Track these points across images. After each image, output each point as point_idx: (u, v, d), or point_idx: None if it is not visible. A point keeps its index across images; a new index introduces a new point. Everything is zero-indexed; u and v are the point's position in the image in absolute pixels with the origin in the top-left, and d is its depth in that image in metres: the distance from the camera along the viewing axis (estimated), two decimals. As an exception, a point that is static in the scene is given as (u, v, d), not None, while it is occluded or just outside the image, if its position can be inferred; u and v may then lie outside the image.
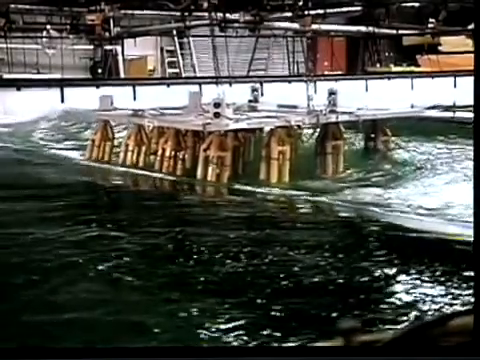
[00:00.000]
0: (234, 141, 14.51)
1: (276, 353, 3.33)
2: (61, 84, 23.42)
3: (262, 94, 22.12)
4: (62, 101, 22.72)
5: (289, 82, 24.31)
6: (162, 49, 31.50)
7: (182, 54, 31.42)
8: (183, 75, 30.32)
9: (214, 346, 5.93)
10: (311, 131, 15.53)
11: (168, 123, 15.09)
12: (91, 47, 28.37)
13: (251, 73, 31.85)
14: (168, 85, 25.08)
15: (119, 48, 27.99)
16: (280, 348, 5.42)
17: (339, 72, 33.39)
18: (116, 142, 16.62)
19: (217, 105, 13.96)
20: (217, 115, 13.89)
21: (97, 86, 23.27)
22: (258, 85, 18.47)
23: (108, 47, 27.46)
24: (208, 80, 21.62)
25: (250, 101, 17.35)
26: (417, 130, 17.57)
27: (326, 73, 32.11)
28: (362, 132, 16.24)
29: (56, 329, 6.62)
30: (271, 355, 3.23)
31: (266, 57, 33.48)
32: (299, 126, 14.93)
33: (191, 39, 30.38)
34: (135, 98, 23.33)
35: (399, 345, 2.84)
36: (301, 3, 24.21)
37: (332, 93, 15.34)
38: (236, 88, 19.68)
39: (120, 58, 27.85)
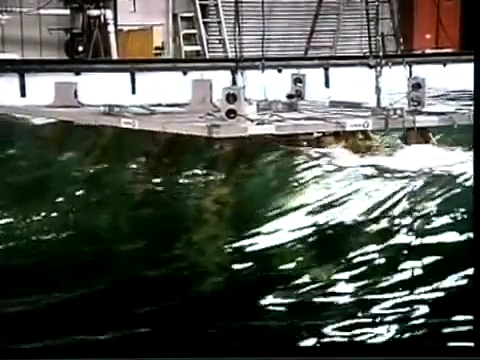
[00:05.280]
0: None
1: (276, 353, 4.30)
2: (21, 69, 20.71)
3: (327, 85, 21.11)
4: (23, 94, 20.26)
5: (371, 67, 19.06)
6: (175, 16, 28.73)
7: (206, 23, 28.14)
8: (207, 55, 27.35)
9: (215, 346, 6.47)
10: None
11: (158, 126, 13.78)
12: (67, 12, 25.21)
13: (310, 53, 28.17)
14: (185, 71, 22.19)
15: (110, 14, 25.05)
16: (280, 348, 5.98)
17: (449, 50, 29.51)
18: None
19: (231, 98, 12.33)
20: (231, 113, 12.38)
21: (77, 72, 20.70)
22: (303, 73, 16.47)
23: (93, 12, 24.79)
24: (246, 64, 17.30)
25: (289, 96, 15.66)
26: None
27: (428, 52, 28.96)
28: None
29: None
30: (270, 355, 4.19)
31: (334, 27, 29.47)
32: (365, 133, 13.25)
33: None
34: (134, 90, 21.01)
35: (399, 346, 3.43)
36: None
37: (417, 85, 13.97)
38: (287, 75, 16.82)
39: (112, 29, 25.02)
